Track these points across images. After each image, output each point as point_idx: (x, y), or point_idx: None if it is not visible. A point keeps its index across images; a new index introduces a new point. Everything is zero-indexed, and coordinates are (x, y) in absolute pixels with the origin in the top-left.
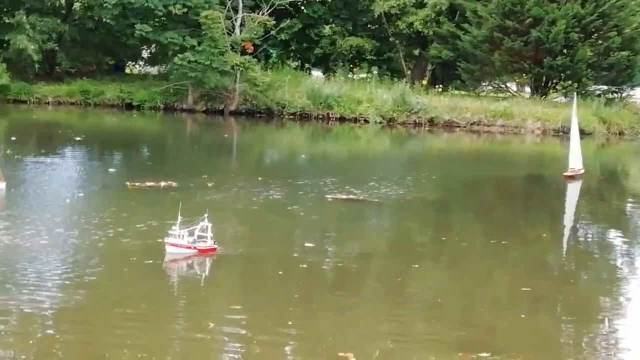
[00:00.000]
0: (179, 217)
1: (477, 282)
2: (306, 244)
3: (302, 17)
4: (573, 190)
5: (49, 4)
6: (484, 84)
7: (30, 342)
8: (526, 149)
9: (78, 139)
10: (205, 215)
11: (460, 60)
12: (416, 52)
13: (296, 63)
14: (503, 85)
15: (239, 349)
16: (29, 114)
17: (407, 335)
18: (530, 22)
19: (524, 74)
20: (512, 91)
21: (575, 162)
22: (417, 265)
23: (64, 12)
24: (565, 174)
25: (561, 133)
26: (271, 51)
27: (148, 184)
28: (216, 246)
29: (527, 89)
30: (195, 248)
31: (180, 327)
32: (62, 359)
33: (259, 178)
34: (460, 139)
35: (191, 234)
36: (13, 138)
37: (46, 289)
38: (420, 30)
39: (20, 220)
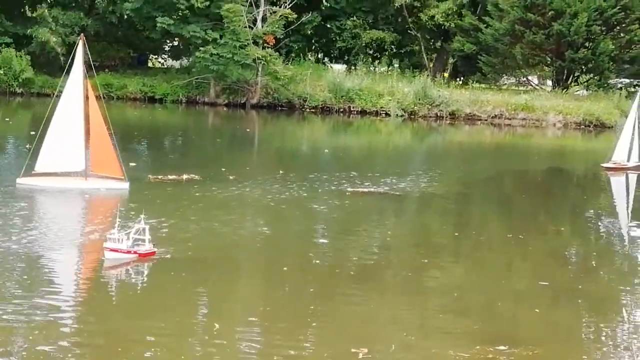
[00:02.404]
0: (117, 220)
1: (497, 275)
2: (322, 240)
3: (324, 10)
4: (616, 184)
5: None
6: (505, 77)
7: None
8: (547, 142)
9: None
10: (142, 216)
11: (481, 53)
12: (437, 45)
13: (317, 56)
14: (524, 79)
15: (256, 342)
16: (52, 107)
17: (425, 328)
18: (551, 15)
19: (545, 67)
20: (533, 84)
21: (621, 155)
22: (436, 259)
23: (87, 5)
24: (604, 165)
25: (583, 126)
26: (293, 45)
27: (170, 177)
28: (155, 249)
29: (549, 82)
30: (135, 252)
31: (202, 319)
32: None
33: (280, 171)
34: (482, 132)
35: (129, 238)
36: (32, 132)
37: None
38: (441, 23)
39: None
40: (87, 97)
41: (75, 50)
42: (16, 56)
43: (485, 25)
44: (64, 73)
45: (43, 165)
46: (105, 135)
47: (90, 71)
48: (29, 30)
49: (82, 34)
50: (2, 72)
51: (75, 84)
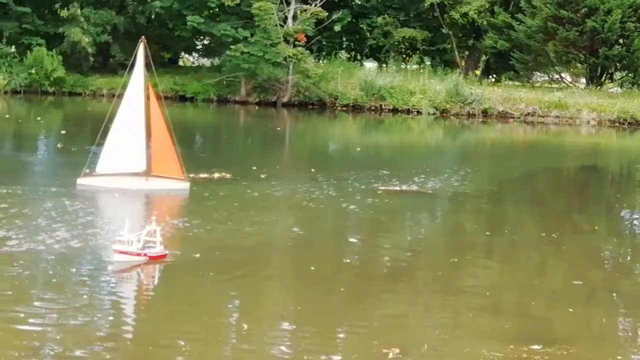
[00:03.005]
0: (127, 221)
1: (530, 275)
2: (353, 239)
3: (354, 8)
4: None
5: None
6: (538, 74)
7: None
8: (581, 140)
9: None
10: (153, 218)
11: (514, 50)
12: (470, 42)
13: (348, 54)
14: (557, 76)
15: (286, 343)
16: (83, 106)
17: (459, 327)
18: (585, 11)
19: (578, 64)
20: (566, 82)
21: None
22: (469, 258)
23: (117, 4)
24: None
25: (617, 124)
26: (323, 42)
27: (202, 175)
28: (167, 252)
29: (582, 80)
30: (145, 255)
31: (231, 320)
32: None
33: (311, 170)
34: (514, 130)
35: (139, 240)
36: (63, 132)
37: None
38: (474, 20)
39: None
40: (148, 98)
41: (136, 51)
42: (48, 55)
43: (517, 22)
44: (126, 73)
45: (104, 166)
46: (166, 136)
47: (150, 72)
48: (60, 30)
49: (143, 36)
50: (33, 71)
51: (136, 85)
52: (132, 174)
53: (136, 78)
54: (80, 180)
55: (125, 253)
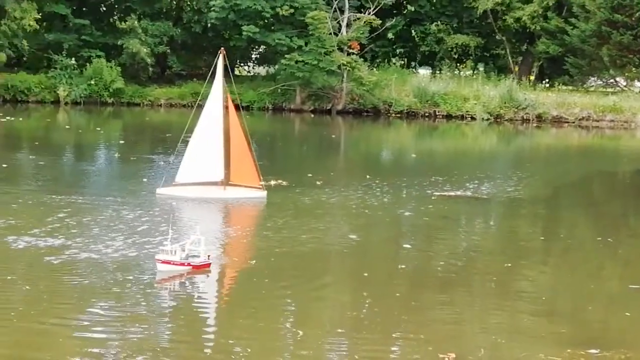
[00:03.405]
0: (170, 231)
1: (586, 279)
2: (408, 245)
3: (407, 15)
4: None
5: (160, 8)
6: (592, 78)
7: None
8: (636, 144)
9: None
10: (198, 227)
11: (567, 55)
12: (523, 48)
13: (402, 61)
14: (612, 80)
15: (342, 349)
16: (141, 116)
17: (515, 332)
18: (639, 15)
19: (633, 68)
20: (621, 85)
21: None
22: (524, 263)
23: (174, 16)
24: None
25: None
26: (377, 50)
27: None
28: (210, 261)
29: (637, 83)
30: (189, 264)
31: (287, 326)
32: None
33: (366, 176)
34: (569, 134)
35: (183, 249)
36: (121, 141)
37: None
38: (527, 25)
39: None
40: (227, 108)
41: (216, 62)
42: (107, 67)
43: (571, 26)
44: (205, 83)
45: (184, 175)
46: (245, 145)
47: (229, 82)
48: (119, 41)
49: (222, 47)
50: (93, 82)
51: (216, 95)
52: (210, 183)
53: (216, 88)
54: (160, 190)
55: (168, 263)
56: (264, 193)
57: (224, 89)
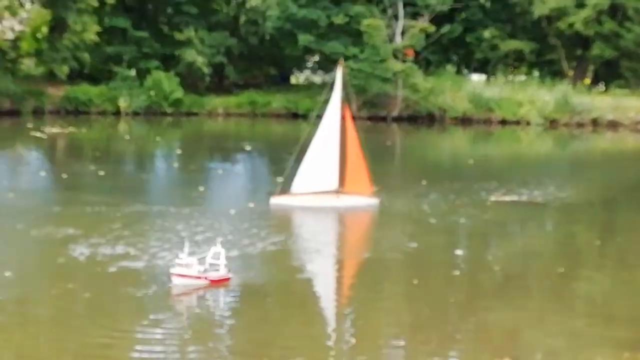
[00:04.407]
0: (186, 244)
1: None
2: (464, 250)
3: (461, 22)
4: None
5: (218, 20)
6: None
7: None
8: None
9: (248, 148)
10: (219, 240)
11: (623, 58)
12: (577, 52)
13: (456, 68)
14: None
15: (399, 354)
16: (200, 126)
17: (572, 335)
18: None
19: None
20: None
21: None
22: (581, 266)
23: (230, 26)
24: None
25: None
26: (431, 57)
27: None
28: (230, 275)
29: None
30: (206, 278)
31: (342, 334)
32: None
33: (423, 182)
34: (625, 138)
35: (202, 262)
36: (178, 151)
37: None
38: (581, 30)
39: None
40: (344, 119)
41: (335, 73)
42: (166, 77)
43: (626, 30)
44: (324, 94)
45: (299, 185)
46: (360, 155)
47: (347, 93)
48: (176, 52)
49: (341, 58)
50: (152, 93)
51: (334, 107)
52: (324, 192)
53: (334, 100)
54: (274, 200)
55: (184, 276)
56: (375, 201)
57: (342, 100)
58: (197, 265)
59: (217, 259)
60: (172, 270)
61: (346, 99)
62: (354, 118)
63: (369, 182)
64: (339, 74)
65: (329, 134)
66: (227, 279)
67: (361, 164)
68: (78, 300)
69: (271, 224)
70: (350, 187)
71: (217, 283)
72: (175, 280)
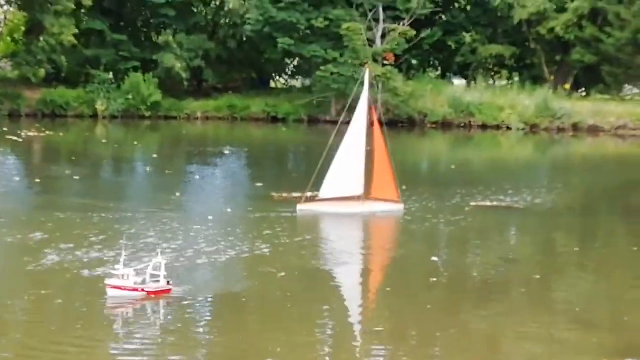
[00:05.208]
0: (123, 254)
1: (623, 288)
2: (444, 256)
3: (442, 26)
4: None
5: (196, 23)
6: (628, 87)
7: None
8: None
9: (227, 152)
10: (159, 250)
11: (603, 63)
12: (558, 57)
13: (437, 72)
14: None
15: (386, 356)
16: (178, 130)
17: (552, 341)
18: None
19: None
20: None
21: None
22: (560, 272)
23: (210, 30)
24: None
25: None
26: (412, 60)
27: (294, 195)
28: (170, 287)
29: None
30: (143, 290)
31: (326, 338)
32: None
33: (403, 187)
34: (605, 143)
35: (139, 273)
36: (154, 155)
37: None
38: (561, 35)
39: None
40: (372, 124)
41: (362, 76)
42: (144, 81)
43: (606, 35)
44: (349, 100)
45: (325, 191)
46: (386, 160)
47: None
48: (154, 56)
49: (367, 62)
50: (130, 96)
51: (361, 111)
52: (349, 197)
53: (361, 104)
54: (301, 206)
55: (119, 288)
56: (401, 206)
57: (369, 104)
58: (133, 276)
59: (158, 269)
60: (107, 282)
61: (373, 102)
62: (380, 123)
63: (395, 187)
64: (366, 77)
65: (355, 139)
66: (167, 291)
67: (387, 170)
68: (50, 306)
69: (252, 230)
70: (376, 193)
71: (155, 295)
72: (110, 292)
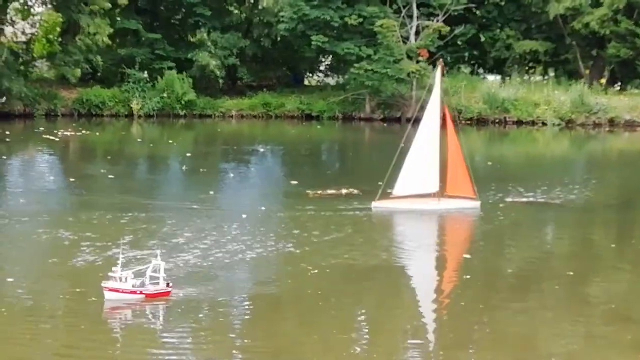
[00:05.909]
0: (121, 256)
1: None
2: (478, 251)
3: (476, 21)
4: None
5: (230, 21)
6: None
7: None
8: None
9: (261, 150)
10: (158, 252)
11: (639, 58)
12: (593, 52)
13: (471, 68)
14: None
15: (417, 356)
16: (213, 128)
17: (589, 337)
18: None
19: None
20: None
21: None
22: (597, 268)
23: (243, 28)
24: None
25: None
26: (446, 57)
27: (329, 191)
28: (170, 289)
29: None
30: (141, 292)
31: (358, 338)
32: None
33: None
34: None
35: (138, 275)
36: (189, 154)
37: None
38: (597, 30)
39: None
40: (444, 120)
41: (434, 73)
42: (178, 79)
43: None
44: (424, 95)
45: (401, 188)
46: (460, 157)
47: (446, 94)
48: (189, 55)
49: (440, 59)
50: (165, 95)
51: (434, 107)
52: (425, 195)
53: (434, 100)
54: (375, 203)
55: (117, 291)
56: (477, 203)
57: (442, 101)
58: (131, 278)
59: (157, 271)
60: (104, 284)
61: (445, 100)
62: (452, 120)
63: (471, 184)
64: (438, 74)
65: (429, 136)
66: (166, 293)
67: (462, 166)
68: (87, 303)
69: (285, 228)
70: (452, 189)
71: (154, 297)
72: (108, 295)
